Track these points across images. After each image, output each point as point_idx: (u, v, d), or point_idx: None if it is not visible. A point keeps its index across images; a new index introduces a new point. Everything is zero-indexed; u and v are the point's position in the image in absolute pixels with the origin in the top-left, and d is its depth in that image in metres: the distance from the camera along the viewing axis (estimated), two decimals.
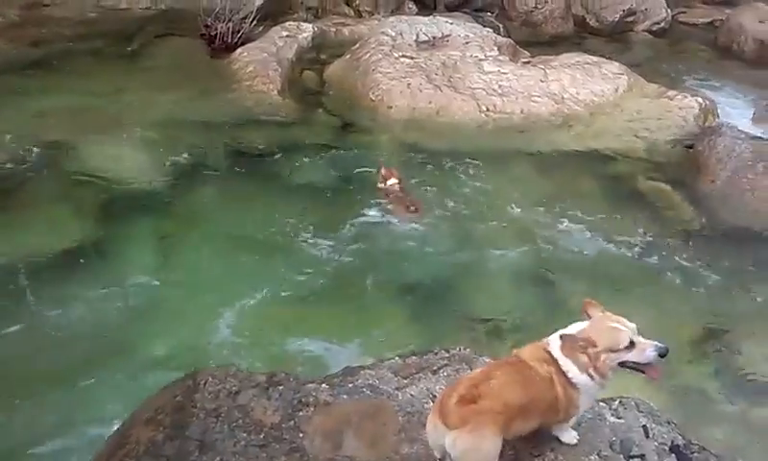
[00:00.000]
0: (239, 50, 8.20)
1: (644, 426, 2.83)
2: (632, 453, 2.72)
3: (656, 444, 2.78)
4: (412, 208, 5.85)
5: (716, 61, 10.52)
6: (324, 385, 3.10)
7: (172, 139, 6.55)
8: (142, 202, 5.65)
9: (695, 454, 2.75)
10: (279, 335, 4.38)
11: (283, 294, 4.79)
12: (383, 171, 6.09)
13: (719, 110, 7.88)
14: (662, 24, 11.65)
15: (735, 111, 8.47)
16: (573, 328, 2.57)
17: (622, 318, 2.55)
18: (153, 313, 4.54)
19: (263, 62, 7.90)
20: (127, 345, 4.24)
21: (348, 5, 10.62)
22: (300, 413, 2.97)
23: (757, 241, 5.83)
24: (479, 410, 2.34)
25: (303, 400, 3.03)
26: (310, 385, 3.11)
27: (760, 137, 7.34)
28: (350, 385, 3.09)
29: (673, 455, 2.74)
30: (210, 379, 3.13)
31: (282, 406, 3.00)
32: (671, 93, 7.85)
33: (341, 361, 3.66)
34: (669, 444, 2.79)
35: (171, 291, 4.71)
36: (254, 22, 8.82)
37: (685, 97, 7.79)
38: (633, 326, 2.52)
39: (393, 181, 6.01)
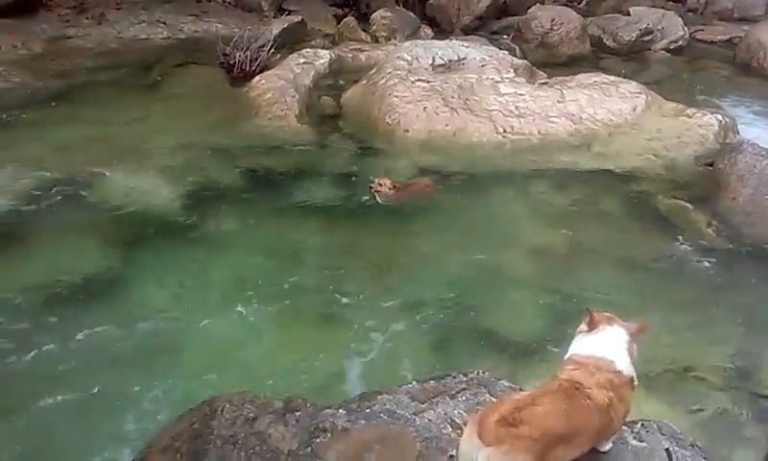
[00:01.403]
0: (257, 77, 8.31)
1: (667, 450, 2.78)
2: None
3: None
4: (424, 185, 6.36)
5: (735, 78, 10.44)
6: (341, 411, 3.09)
7: (192, 167, 6.62)
8: (163, 230, 5.70)
9: None
10: (298, 360, 4.36)
11: (303, 319, 4.80)
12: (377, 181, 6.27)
13: (739, 127, 7.80)
14: (680, 42, 11.60)
15: (756, 128, 8.37)
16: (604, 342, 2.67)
17: None
18: (173, 341, 4.55)
19: (281, 89, 7.99)
20: (145, 373, 4.24)
21: (365, 31, 10.75)
22: (318, 439, 2.95)
23: None
24: (518, 435, 2.34)
25: (321, 426, 3.02)
26: (327, 411, 3.09)
27: None
28: (368, 410, 3.07)
29: None
30: (227, 406, 3.13)
31: (299, 433, 2.99)
32: (690, 111, 7.78)
33: (359, 386, 3.64)
34: None
35: (191, 319, 4.72)
36: (272, 50, 8.96)
37: (705, 115, 7.73)
38: None
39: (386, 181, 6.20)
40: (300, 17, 10.61)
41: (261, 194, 6.38)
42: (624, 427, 2.79)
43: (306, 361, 4.34)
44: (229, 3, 11.36)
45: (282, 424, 3.05)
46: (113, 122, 7.39)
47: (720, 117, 7.71)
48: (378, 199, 6.21)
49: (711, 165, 6.88)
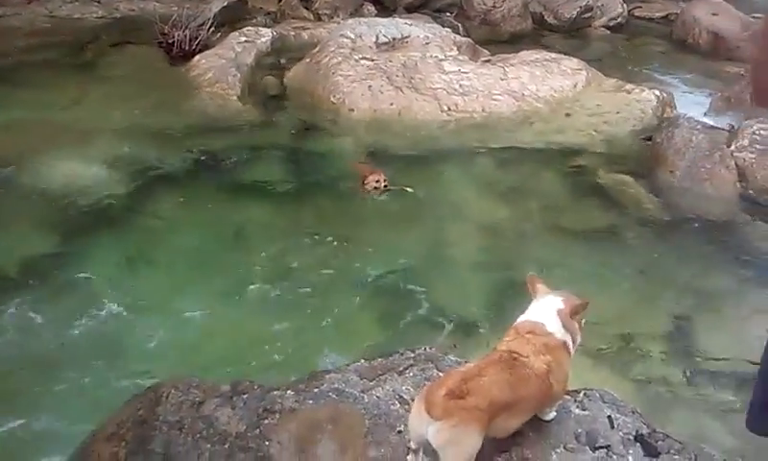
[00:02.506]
0: (197, 57, 8.12)
1: (609, 417, 2.84)
2: (597, 444, 2.73)
3: (621, 434, 2.79)
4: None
5: (672, 54, 10.69)
6: (289, 392, 3.06)
7: (132, 150, 6.45)
8: (103, 216, 5.54)
9: (660, 442, 2.77)
10: (245, 344, 4.33)
11: (249, 301, 4.75)
12: (363, 170, 6.12)
13: (676, 102, 8.01)
14: (619, 19, 11.80)
15: (692, 103, 8.59)
16: (538, 309, 2.73)
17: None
18: (116, 330, 4.45)
19: (222, 69, 7.83)
20: (88, 362, 4.14)
21: (308, 9, 10.60)
22: (266, 421, 2.93)
23: (717, 229, 5.94)
24: (465, 406, 2.35)
25: (269, 407, 2.99)
26: (275, 392, 3.06)
27: (717, 127, 7.47)
28: (316, 390, 3.05)
29: (638, 445, 2.75)
30: (173, 391, 3.07)
31: (247, 415, 2.96)
32: (629, 87, 7.96)
33: (307, 366, 3.62)
34: (634, 433, 2.80)
35: (135, 306, 4.62)
36: (212, 29, 8.75)
37: (643, 90, 7.91)
38: None
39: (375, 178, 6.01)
40: None
41: (205, 176, 6.27)
42: (567, 397, 2.84)
43: (254, 343, 4.32)
44: None
45: (230, 406, 3.01)
46: (48, 104, 7.12)
47: (658, 92, 7.90)
48: (371, 196, 6.00)
49: (650, 139, 7.06)
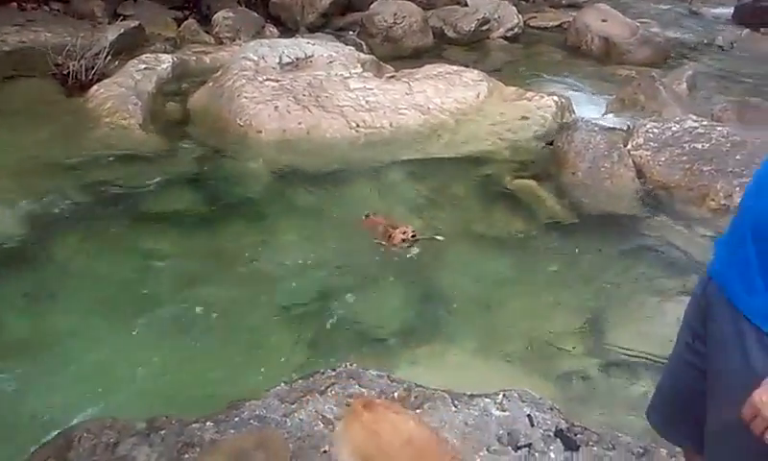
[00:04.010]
0: (95, 87, 7.84)
1: (529, 416, 2.91)
2: (519, 444, 2.78)
3: (541, 431, 2.86)
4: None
5: (568, 61, 11.15)
6: (208, 423, 2.99)
7: (30, 186, 6.13)
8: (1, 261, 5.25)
9: (578, 436, 2.85)
10: (158, 379, 4.18)
11: (161, 333, 4.58)
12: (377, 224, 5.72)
13: (575, 106, 8.34)
14: (516, 30, 12.21)
15: (589, 106, 8.98)
16: None
17: None
18: (21, 375, 4.20)
19: (122, 97, 7.59)
20: None
21: (208, 33, 10.46)
22: (186, 456, 2.85)
23: (620, 224, 6.19)
24: None
25: (188, 441, 2.91)
26: (194, 425, 2.98)
27: (613, 128, 7.84)
28: (236, 419, 2.99)
29: (558, 440, 2.82)
30: (85, 435, 2.94)
31: (166, 451, 2.86)
32: (529, 94, 8.22)
33: (226, 396, 3.53)
34: (554, 429, 2.88)
35: (36, 346, 4.38)
36: (109, 57, 8.49)
37: (543, 97, 8.18)
38: None
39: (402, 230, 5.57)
40: (138, 22, 10.11)
41: (109, 208, 6.04)
42: (487, 399, 2.89)
43: (170, 376, 4.17)
44: (58, 10, 10.64)
45: (147, 444, 2.91)
46: None
47: (556, 98, 8.19)
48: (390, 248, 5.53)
49: (551, 144, 7.30)
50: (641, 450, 2.95)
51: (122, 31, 9.54)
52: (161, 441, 2.90)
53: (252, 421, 2.97)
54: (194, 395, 4.00)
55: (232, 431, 2.92)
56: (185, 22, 10.64)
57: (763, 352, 1.70)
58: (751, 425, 1.62)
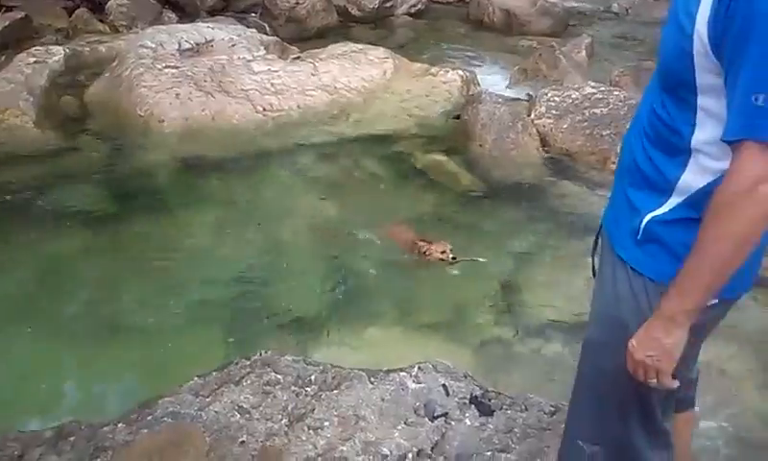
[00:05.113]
0: None
1: (444, 386, 2.96)
2: (436, 413, 2.83)
3: (456, 400, 2.92)
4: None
5: (471, 35, 11.31)
6: (120, 425, 2.90)
7: None
8: None
9: (492, 401, 2.92)
10: (66, 385, 4.01)
11: (69, 336, 4.40)
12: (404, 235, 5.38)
13: (479, 79, 8.47)
14: (419, 6, 12.29)
15: (493, 78, 9.16)
16: None
17: None
18: None
19: (12, 94, 7.19)
20: None
21: (102, 21, 10.03)
22: (98, 460, 2.75)
23: (527, 192, 6.35)
24: None
25: (99, 445, 2.82)
26: (105, 429, 2.89)
27: (517, 99, 8.03)
28: (149, 418, 2.92)
29: (473, 406, 2.88)
30: None
31: (76, 457, 2.77)
32: (435, 70, 8.29)
33: (139, 396, 3.42)
34: (468, 397, 2.94)
35: None
36: None
37: (448, 71, 8.27)
38: None
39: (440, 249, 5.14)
40: (24, 13, 9.56)
41: (5, 213, 5.73)
42: (403, 373, 2.92)
43: (76, 382, 4.01)
44: None
45: (55, 453, 2.80)
46: None
47: (461, 72, 8.30)
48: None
49: (458, 118, 7.41)
50: (553, 409, 3.05)
51: (6, 23, 9.04)
52: (71, 448, 2.79)
53: (165, 418, 2.90)
54: (105, 399, 3.87)
55: (146, 430, 2.84)
56: (77, 11, 10.16)
57: (627, 283, 1.89)
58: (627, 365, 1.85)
